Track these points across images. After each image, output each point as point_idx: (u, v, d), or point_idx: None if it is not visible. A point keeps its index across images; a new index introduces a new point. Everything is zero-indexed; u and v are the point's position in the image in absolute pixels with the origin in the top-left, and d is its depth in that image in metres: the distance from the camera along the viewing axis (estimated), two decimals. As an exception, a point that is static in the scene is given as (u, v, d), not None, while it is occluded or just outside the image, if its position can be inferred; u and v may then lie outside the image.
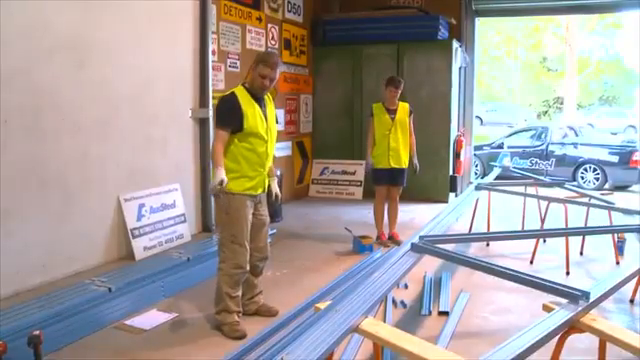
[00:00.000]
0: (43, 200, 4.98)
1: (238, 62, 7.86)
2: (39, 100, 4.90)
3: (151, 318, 4.40)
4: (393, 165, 6.63)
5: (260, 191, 4.23)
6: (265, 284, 4.68)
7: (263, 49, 8.49)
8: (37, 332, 2.97)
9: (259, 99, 4.15)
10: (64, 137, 5.17)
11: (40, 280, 4.91)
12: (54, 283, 4.91)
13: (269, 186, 4.36)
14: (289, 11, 9.39)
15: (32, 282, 4.84)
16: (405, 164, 6.72)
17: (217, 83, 7.33)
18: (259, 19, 8.43)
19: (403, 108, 6.69)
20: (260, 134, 4.08)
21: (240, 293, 4.23)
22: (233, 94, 4.08)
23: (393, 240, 6.77)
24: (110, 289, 4.35)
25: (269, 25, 8.74)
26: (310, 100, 10.31)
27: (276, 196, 4.40)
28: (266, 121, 4.14)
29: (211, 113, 6.91)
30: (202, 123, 6.98)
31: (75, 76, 5.27)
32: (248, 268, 4.19)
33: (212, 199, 7.05)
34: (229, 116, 4.01)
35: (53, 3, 5.00)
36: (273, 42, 8.88)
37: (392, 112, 6.62)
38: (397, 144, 6.60)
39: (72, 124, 5.25)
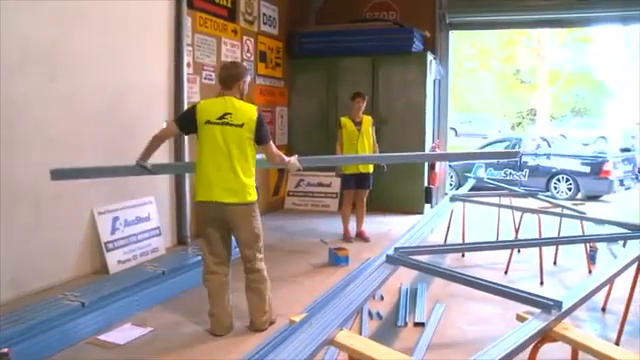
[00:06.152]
0: (13, 214, 4.89)
1: (213, 74, 7.83)
2: (9, 112, 4.82)
3: (125, 333, 4.34)
4: (361, 170, 7.36)
5: None
6: (240, 296, 4.65)
7: (239, 61, 8.50)
8: (5, 350, 2.92)
9: None
10: (35, 149, 5.10)
11: (10, 295, 4.80)
12: (25, 298, 4.82)
13: None
14: (264, 23, 9.41)
15: (2, 298, 4.73)
16: (370, 169, 7.44)
17: (192, 95, 7.30)
18: (234, 31, 8.44)
19: (367, 120, 7.47)
20: None
21: None
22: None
23: (361, 237, 7.58)
24: (83, 304, 4.29)
25: (244, 37, 8.75)
26: (285, 112, 10.31)
27: None
28: None
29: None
30: (177, 135, 6.93)
31: (47, 88, 5.21)
32: None
33: (188, 211, 7.06)
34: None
35: (25, 14, 4.95)
36: (249, 54, 8.89)
37: (358, 124, 7.40)
38: (364, 151, 7.32)
39: (43, 136, 5.18)
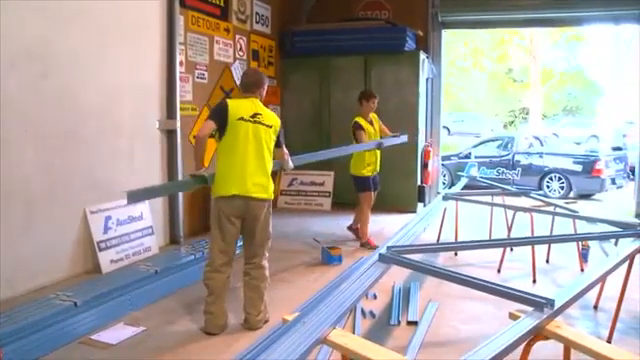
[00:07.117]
0: (6, 213, 4.86)
1: (206, 73, 7.82)
2: (2, 110, 4.80)
3: (118, 332, 4.33)
4: (377, 172, 7.18)
5: None
6: (233, 296, 4.65)
7: (231, 60, 8.48)
8: (-2, 349, 2.90)
9: None
10: (28, 148, 5.08)
11: (2, 295, 4.78)
12: (17, 298, 4.80)
13: None
14: (257, 22, 9.39)
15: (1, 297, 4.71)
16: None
17: (185, 94, 7.28)
18: (227, 30, 8.42)
19: (376, 119, 7.22)
20: None
21: None
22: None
23: (356, 234, 7.31)
24: (75, 303, 4.27)
25: (237, 36, 8.73)
26: (278, 111, 10.27)
27: None
28: None
29: (179, 124, 6.88)
30: (170, 135, 6.92)
31: (39, 86, 5.19)
32: None
33: (181, 210, 7.04)
34: None
35: (18, 12, 4.92)
36: (241, 53, 8.87)
37: (371, 123, 7.10)
38: (379, 152, 7.10)
39: (36, 135, 5.16)
